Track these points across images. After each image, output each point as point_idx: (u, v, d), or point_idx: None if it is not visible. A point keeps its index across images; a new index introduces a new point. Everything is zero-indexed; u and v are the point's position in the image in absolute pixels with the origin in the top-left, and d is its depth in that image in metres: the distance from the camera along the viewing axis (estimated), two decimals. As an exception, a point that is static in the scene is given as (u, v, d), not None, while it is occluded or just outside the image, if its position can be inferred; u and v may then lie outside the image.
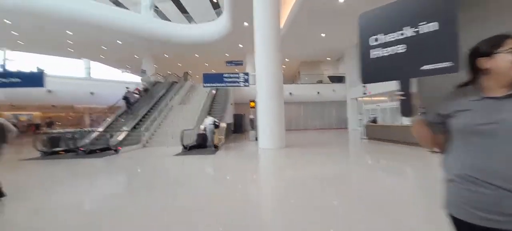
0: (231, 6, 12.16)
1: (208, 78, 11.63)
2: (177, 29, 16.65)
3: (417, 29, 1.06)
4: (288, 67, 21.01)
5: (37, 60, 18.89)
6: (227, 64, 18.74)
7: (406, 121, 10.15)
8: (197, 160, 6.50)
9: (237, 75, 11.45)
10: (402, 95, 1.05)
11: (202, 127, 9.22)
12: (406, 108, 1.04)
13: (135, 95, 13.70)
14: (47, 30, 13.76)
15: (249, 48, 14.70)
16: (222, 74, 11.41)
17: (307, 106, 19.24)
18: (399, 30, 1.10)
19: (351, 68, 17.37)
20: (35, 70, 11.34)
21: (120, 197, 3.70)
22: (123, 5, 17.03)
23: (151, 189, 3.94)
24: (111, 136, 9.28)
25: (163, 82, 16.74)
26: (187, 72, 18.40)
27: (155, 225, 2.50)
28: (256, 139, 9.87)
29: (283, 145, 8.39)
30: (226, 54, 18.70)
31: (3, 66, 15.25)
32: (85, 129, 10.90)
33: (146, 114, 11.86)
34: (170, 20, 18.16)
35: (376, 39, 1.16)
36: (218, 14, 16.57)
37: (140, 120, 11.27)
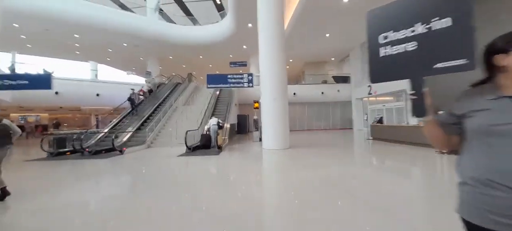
0: (235, 7, 12.18)
1: (212, 79, 11.62)
2: (182, 31, 16.77)
3: (429, 26, 1.01)
4: (292, 68, 20.94)
5: (45, 63, 19.27)
6: (231, 65, 18.77)
7: (412, 121, 10.00)
8: (200, 161, 6.49)
9: (241, 76, 11.43)
10: (414, 95, 1.00)
11: (206, 127, 9.23)
12: (418, 109, 0.99)
13: (140, 96, 13.82)
14: (55, 34, 14.00)
15: (253, 49, 14.70)
16: (226, 75, 11.40)
17: (311, 106, 19.13)
18: (410, 27, 1.05)
19: (356, 68, 17.22)
20: (42, 73, 11.52)
21: (125, 197, 3.70)
22: (129, 9, 17.24)
23: (155, 190, 3.94)
24: (116, 137, 9.36)
25: (167, 84, 16.86)
26: (191, 74, 18.51)
27: (159, 226, 2.49)
28: (260, 140, 9.84)
29: (287, 146, 8.34)
30: (230, 55, 18.74)
31: (12, 69, 15.56)
32: (91, 130, 11.03)
33: (150, 115, 11.95)
34: (174, 23, 18.29)
35: (386, 37, 1.12)
36: (222, 16, 16.63)
37: (145, 121, 11.35)
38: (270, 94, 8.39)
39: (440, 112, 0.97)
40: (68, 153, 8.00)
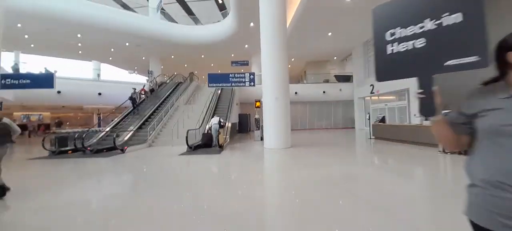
0: (237, 7, 12.14)
1: (214, 78, 11.65)
2: (184, 30, 16.77)
3: (439, 22, 0.97)
4: (294, 67, 20.87)
5: (48, 62, 19.36)
6: (233, 64, 18.76)
7: (415, 120, 9.93)
8: (202, 160, 6.48)
9: (242, 75, 11.43)
10: (422, 93, 0.96)
11: (207, 126, 9.22)
12: (427, 108, 0.95)
13: (141, 95, 13.84)
14: (57, 33, 14.05)
15: (255, 48, 14.68)
16: (228, 74, 11.41)
17: (313, 106, 19.07)
18: (418, 23, 1.01)
19: (358, 67, 17.13)
20: (45, 72, 11.58)
21: (126, 196, 3.69)
22: (131, 8, 17.26)
23: (157, 189, 3.93)
24: (118, 136, 9.38)
25: (169, 83, 16.87)
26: (192, 73, 18.51)
27: (160, 225, 2.48)
28: (262, 139, 9.81)
29: (289, 145, 8.30)
30: (231, 54, 18.72)
31: (15, 68, 15.67)
32: (92, 129, 11.06)
33: (151, 114, 11.96)
34: (176, 22, 18.29)
35: (393, 34, 1.08)
36: (224, 15, 16.61)
37: (146, 120, 11.36)
38: (271, 94, 8.35)
39: (448, 111, 0.94)
40: (70, 151, 8.02)
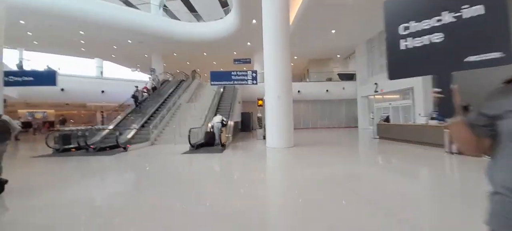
0: (239, 3, 12.04)
1: (216, 76, 11.58)
2: (186, 27, 16.71)
3: (458, 14, 0.89)
4: (296, 65, 20.73)
5: (51, 60, 19.45)
6: (235, 62, 18.68)
7: (420, 120, 9.78)
8: (204, 159, 6.45)
9: (245, 73, 11.35)
10: (440, 92, 0.88)
11: (209, 125, 9.18)
12: (445, 108, 0.87)
13: (144, 93, 13.84)
14: (60, 30, 14.09)
15: (257, 46, 14.57)
16: (230, 72, 11.33)
17: (316, 104, 18.94)
18: (436, 16, 0.94)
19: (361, 66, 16.95)
20: (47, 70, 11.62)
21: (129, 194, 3.67)
22: (134, 5, 17.24)
23: (159, 187, 3.90)
24: (120, 134, 9.38)
25: (171, 81, 16.86)
26: (195, 71, 18.47)
27: (163, 223, 2.47)
28: (264, 138, 9.75)
29: (292, 144, 8.23)
30: (234, 52, 18.64)
31: (20, 66, 15.79)
32: (95, 127, 11.09)
33: (154, 112, 11.96)
34: (179, 19, 18.24)
35: (407, 28, 1.00)
36: (226, 12, 16.49)
37: (149, 118, 11.36)
38: (274, 92, 8.27)
39: (467, 110, 0.86)
40: (73, 149, 8.05)
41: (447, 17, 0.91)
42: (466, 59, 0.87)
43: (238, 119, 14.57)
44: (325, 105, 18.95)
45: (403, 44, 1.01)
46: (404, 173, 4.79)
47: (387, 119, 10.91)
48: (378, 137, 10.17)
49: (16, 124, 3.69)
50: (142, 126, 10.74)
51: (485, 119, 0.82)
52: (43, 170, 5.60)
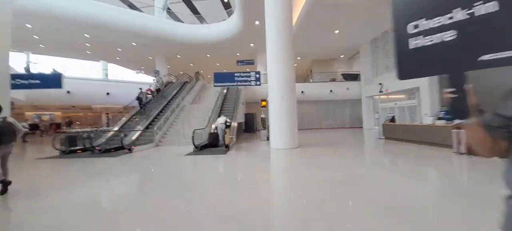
0: (242, 5, 12.04)
1: (219, 78, 11.60)
2: (189, 29, 16.80)
3: (471, 11, 0.85)
4: (300, 66, 20.65)
5: (58, 63, 19.78)
6: (238, 63, 18.69)
7: (426, 120, 9.61)
8: (208, 160, 6.43)
9: (248, 74, 11.34)
10: (453, 93, 0.84)
11: (213, 126, 9.18)
12: (459, 109, 0.83)
13: (148, 95, 13.93)
14: (66, 33, 14.30)
15: (261, 47, 14.55)
16: (233, 73, 11.34)
17: (319, 105, 18.82)
18: (447, 13, 0.90)
19: (366, 66, 16.79)
20: (53, 73, 11.77)
21: (134, 196, 3.67)
22: (138, 8, 17.41)
23: (164, 189, 3.91)
24: (125, 136, 9.45)
25: (175, 83, 16.94)
26: (198, 72, 18.53)
27: (167, 224, 2.47)
28: (268, 139, 9.71)
29: (296, 145, 8.17)
30: (237, 53, 18.66)
31: (27, 69, 16.08)
32: (101, 129, 11.19)
33: (158, 114, 12.02)
34: (182, 21, 18.35)
35: (416, 26, 0.96)
36: (229, 14, 16.52)
37: (153, 120, 11.43)
38: (277, 93, 8.23)
39: (482, 111, 0.82)
40: (79, 151, 8.13)
41: (459, 15, 0.87)
42: (480, 58, 0.83)
43: (242, 120, 14.57)
44: (329, 106, 18.81)
45: (412, 43, 0.97)
46: (413, 175, 4.70)
47: (392, 119, 10.75)
48: (383, 137, 10.03)
49: (21, 126, 3.74)
50: (147, 127, 10.81)
51: (501, 120, 0.77)
52: (49, 172, 5.67)
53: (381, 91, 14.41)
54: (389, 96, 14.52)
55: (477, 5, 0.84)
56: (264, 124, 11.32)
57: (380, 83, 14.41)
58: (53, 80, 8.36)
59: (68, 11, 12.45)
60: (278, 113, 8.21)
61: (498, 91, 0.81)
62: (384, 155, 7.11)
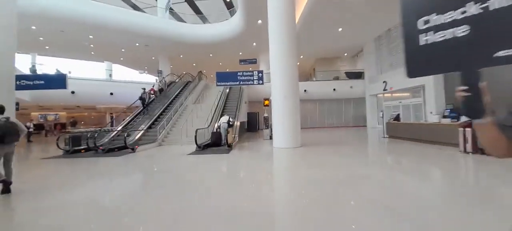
0: (245, 4, 11.99)
1: (222, 77, 11.59)
2: (192, 29, 16.81)
3: (485, 4, 0.80)
4: (302, 64, 20.53)
5: (63, 64, 20.00)
6: (241, 62, 18.65)
7: (432, 118, 9.47)
8: (210, 159, 6.42)
9: (251, 73, 11.30)
10: (466, 91, 0.79)
11: (216, 125, 9.18)
12: (472, 108, 0.79)
13: (151, 95, 13.99)
14: (71, 35, 14.42)
15: (263, 46, 14.50)
16: (236, 72, 11.31)
17: (323, 103, 18.71)
18: (459, 7, 0.85)
19: (370, 64, 16.62)
20: (57, 73, 11.90)
21: (137, 195, 3.67)
22: (141, 9, 17.47)
23: (166, 188, 3.90)
24: (128, 135, 9.50)
25: (177, 82, 16.99)
26: (201, 72, 18.55)
27: (169, 224, 2.46)
28: (271, 138, 9.68)
29: (299, 144, 8.12)
30: (239, 53, 18.62)
31: (33, 70, 16.29)
32: (104, 128, 11.28)
33: (161, 113, 12.07)
34: (185, 21, 18.37)
35: (427, 21, 0.91)
36: (232, 13, 16.48)
37: (156, 119, 11.47)
38: (280, 92, 8.18)
39: (495, 110, 0.78)
40: (83, 150, 8.19)
41: (472, 8, 0.83)
42: (496, 54, 0.78)
43: (245, 119, 14.54)
44: (332, 105, 18.69)
45: (423, 39, 0.92)
46: (420, 175, 4.62)
47: (397, 118, 10.62)
48: (387, 136, 9.92)
49: (23, 126, 3.78)
50: (150, 127, 10.85)
51: None
52: (52, 172, 5.71)
53: (386, 90, 14.25)
54: (394, 94, 14.35)
55: (491, -2, 0.79)
56: (267, 123, 11.28)
57: (385, 82, 14.24)
58: (58, 81, 8.44)
59: (73, 13, 12.54)
60: (281, 112, 8.16)
61: (504, 87, 0.76)
62: (388, 154, 7.02)
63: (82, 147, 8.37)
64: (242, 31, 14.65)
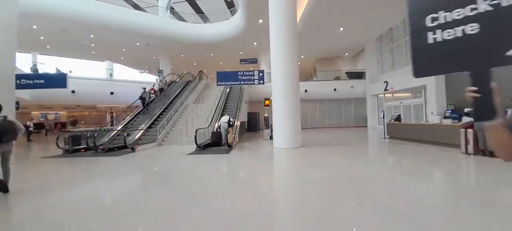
0: (246, 3, 11.96)
1: (222, 77, 11.54)
2: (192, 29, 16.79)
3: (496, 2, 0.77)
4: (303, 64, 20.49)
5: (64, 63, 20.02)
6: (242, 62, 18.62)
7: (433, 119, 9.43)
8: (210, 160, 6.39)
9: (251, 73, 11.26)
10: (476, 92, 0.76)
11: (216, 125, 9.15)
12: (483, 109, 0.76)
13: (151, 95, 13.97)
14: (72, 34, 14.41)
15: (264, 46, 14.48)
16: (237, 72, 11.27)
17: (323, 104, 18.67)
18: (469, 4, 0.82)
19: (371, 63, 16.58)
20: (58, 72, 11.89)
21: (136, 195, 3.64)
22: (141, 8, 17.46)
23: (166, 188, 3.88)
24: (128, 135, 9.48)
25: (178, 82, 16.97)
26: (201, 71, 18.53)
27: (169, 223, 2.46)
28: (271, 138, 9.64)
29: (299, 144, 8.09)
30: (240, 52, 18.59)
31: (34, 69, 16.27)
32: (104, 128, 11.26)
33: (161, 113, 12.04)
34: (185, 21, 18.35)
35: (435, 19, 0.88)
36: (233, 13, 16.46)
37: (156, 119, 11.45)
38: (281, 92, 8.15)
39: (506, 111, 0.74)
40: (82, 150, 8.17)
41: (483, 5, 0.79)
42: (508, 53, 0.75)
43: (245, 119, 14.51)
44: (332, 105, 18.65)
45: (431, 38, 0.89)
46: (420, 175, 4.58)
47: (398, 118, 10.57)
48: (388, 136, 9.88)
49: (21, 125, 3.76)
50: (150, 126, 10.83)
51: None
52: (52, 171, 5.68)
53: (387, 90, 14.20)
54: (395, 94, 14.31)
55: (502, -5, 0.76)
56: (267, 123, 11.25)
57: (386, 82, 14.20)
58: (58, 80, 8.42)
59: (74, 12, 12.53)
60: (282, 113, 8.13)
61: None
62: (389, 155, 6.99)
63: (82, 146, 8.35)
64: (243, 30, 14.62)
